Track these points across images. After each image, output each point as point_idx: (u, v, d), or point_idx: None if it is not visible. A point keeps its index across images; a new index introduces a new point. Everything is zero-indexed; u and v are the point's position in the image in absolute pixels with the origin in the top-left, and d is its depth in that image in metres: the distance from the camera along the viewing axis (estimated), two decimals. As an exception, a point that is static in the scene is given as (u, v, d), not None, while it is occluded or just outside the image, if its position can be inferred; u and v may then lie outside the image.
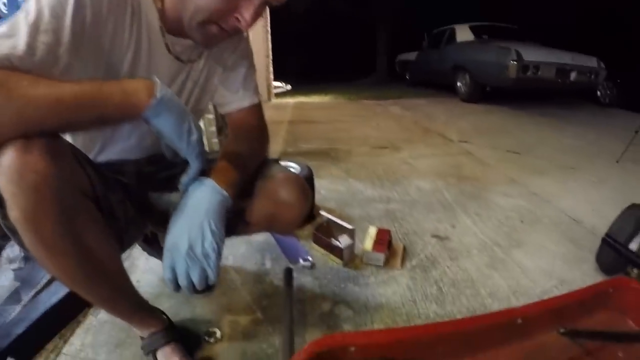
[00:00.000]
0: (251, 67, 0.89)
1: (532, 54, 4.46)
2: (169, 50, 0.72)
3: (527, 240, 1.61)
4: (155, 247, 1.12)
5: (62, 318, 0.93)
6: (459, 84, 5.52)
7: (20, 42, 0.51)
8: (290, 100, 5.93)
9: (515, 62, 4.35)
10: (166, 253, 0.62)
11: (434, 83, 6.76)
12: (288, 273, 1.10)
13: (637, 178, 2.45)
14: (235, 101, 0.87)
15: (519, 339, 0.94)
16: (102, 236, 0.62)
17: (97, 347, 0.87)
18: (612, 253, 1.34)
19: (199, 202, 0.64)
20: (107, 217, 0.65)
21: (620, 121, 4.11)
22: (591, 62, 4.79)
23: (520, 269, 1.41)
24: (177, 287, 0.62)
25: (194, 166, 0.64)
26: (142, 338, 0.84)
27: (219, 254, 0.63)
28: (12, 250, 1.14)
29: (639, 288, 0.92)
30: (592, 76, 4.83)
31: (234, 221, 0.75)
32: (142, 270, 1.15)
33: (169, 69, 0.74)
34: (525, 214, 1.86)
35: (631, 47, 4.94)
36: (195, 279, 0.61)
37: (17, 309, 0.94)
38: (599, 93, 5.37)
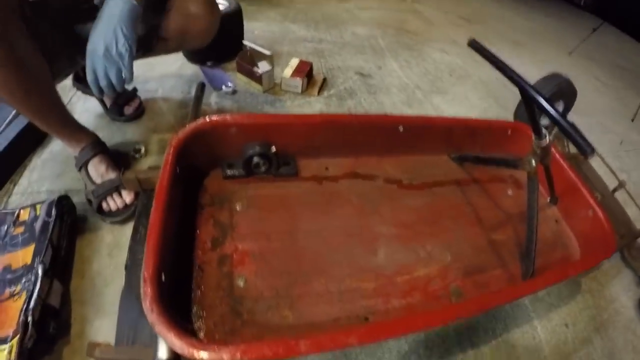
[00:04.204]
0: None
1: None
2: None
3: (451, 90, 1.64)
4: (87, 84, 1.12)
5: (9, 165, 1.00)
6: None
7: None
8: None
9: None
10: (87, 58, 0.73)
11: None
12: (200, 86, 1.12)
13: (583, 71, 2.44)
14: None
15: (406, 152, 0.98)
16: (30, 48, 0.69)
17: (41, 180, 0.96)
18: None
19: (112, 11, 0.73)
20: (34, 40, 0.70)
21: (589, 23, 4.00)
22: None
23: (436, 111, 1.45)
24: (99, 89, 0.75)
25: None
26: (75, 157, 0.90)
27: (131, 54, 0.74)
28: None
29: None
30: None
31: (150, 37, 0.87)
32: (79, 111, 1.17)
33: None
34: (456, 69, 1.86)
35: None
36: (113, 77, 0.74)
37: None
38: None
